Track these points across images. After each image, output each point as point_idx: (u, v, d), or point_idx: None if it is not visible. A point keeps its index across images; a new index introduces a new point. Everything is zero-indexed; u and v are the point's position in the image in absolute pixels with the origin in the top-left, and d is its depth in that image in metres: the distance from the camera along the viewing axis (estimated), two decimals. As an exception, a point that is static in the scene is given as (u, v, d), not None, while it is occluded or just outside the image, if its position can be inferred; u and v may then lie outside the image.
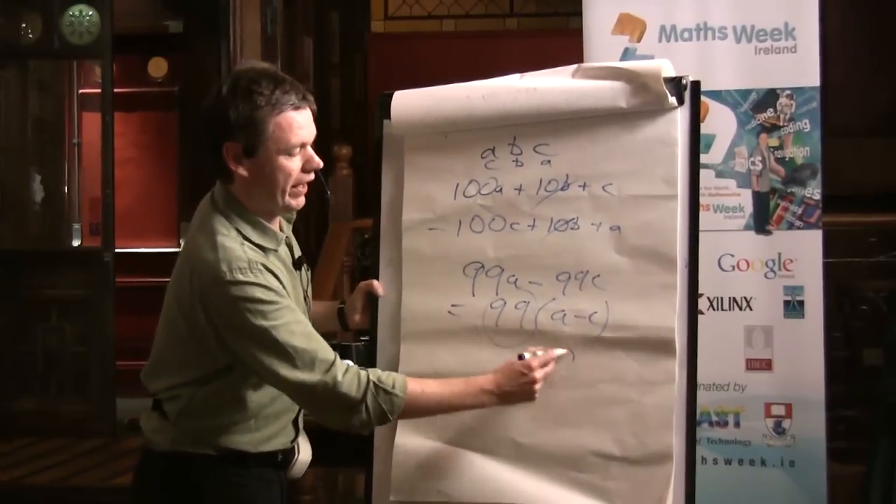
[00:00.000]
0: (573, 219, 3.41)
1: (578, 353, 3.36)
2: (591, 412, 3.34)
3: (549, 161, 3.46)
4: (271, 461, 3.31)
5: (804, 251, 4.77)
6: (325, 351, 3.15)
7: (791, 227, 4.77)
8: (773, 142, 4.78)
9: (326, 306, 3.74)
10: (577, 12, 5.14)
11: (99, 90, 8.75)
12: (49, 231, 9.20)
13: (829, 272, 4.90)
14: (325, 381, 3.11)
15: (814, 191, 4.75)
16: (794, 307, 4.77)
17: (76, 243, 9.19)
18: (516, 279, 3.46)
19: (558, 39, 8.16)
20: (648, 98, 3.34)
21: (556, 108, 3.43)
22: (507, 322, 3.44)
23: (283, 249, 3.29)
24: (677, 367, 3.28)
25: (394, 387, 3.15)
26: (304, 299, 3.38)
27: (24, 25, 8.72)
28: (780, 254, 4.77)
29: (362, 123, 10.34)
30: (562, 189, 3.43)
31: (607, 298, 3.35)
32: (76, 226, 9.23)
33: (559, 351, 3.31)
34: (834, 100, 5.85)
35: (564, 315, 3.38)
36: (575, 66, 3.47)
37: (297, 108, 3.17)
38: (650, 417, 3.28)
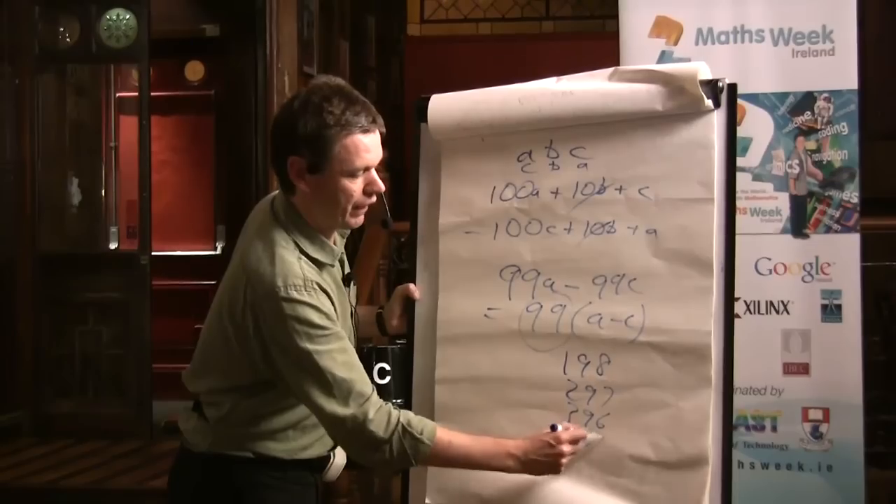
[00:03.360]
0: (610, 222, 3.41)
1: (614, 357, 3.35)
2: (628, 416, 3.33)
3: (585, 164, 3.46)
4: (308, 465, 3.32)
5: (842, 255, 4.74)
6: (363, 384, 3.15)
7: (828, 230, 4.74)
8: (811, 145, 4.76)
9: (365, 311, 3.73)
10: (613, 15, 5.13)
11: (136, 94, 8.80)
12: (86, 234, 9.24)
13: (867, 276, 4.87)
14: (356, 416, 3.11)
15: (851, 194, 4.73)
16: (831, 311, 4.75)
17: (113, 246, 9.23)
18: (552, 283, 3.45)
19: (594, 42, 8.15)
20: (685, 101, 3.33)
21: (592, 111, 3.42)
22: (543, 326, 3.43)
23: (335, 266, 3.30)
24: (714, 371, 3.26)
25: (422, 433, 3.15)
26: (351, 316, 3.39)
27: (62, 30, 8.77)
28: (817, 257, 4.75)
29: (399, 127, 10.34)
30: (598, 192, 3.43)
31: (644, 302, 3.34)
32: (113, 229, 9.28)
33: (593, 435, 3.29)
34: (872, 103, 5.83)
35: (601, 319, 3.37)
36: (611, 69, 3.47)
37: (365, 130, 3.16)
38: (686, 422, 3.27)
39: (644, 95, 3.37)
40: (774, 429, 4.79)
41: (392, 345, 4.47)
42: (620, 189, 3.40)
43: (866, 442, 4.78)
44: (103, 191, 9.28)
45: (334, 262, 3.28)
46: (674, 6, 4.83)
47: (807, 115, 4.76)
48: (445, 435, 3.19)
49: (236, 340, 3.17)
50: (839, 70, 4.74)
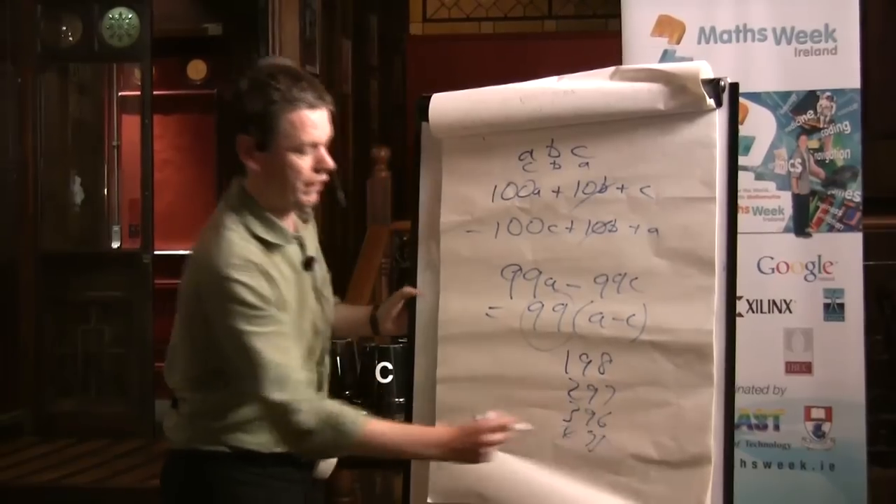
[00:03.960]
0: (611, 221, 3.40)
1: (616, 356, 3.35)
2: (630, 415, 3.33)
3: (587, 163, 3.45)
4: (291, 461, 3.29)
5: (844, 254, 4.74)
6: (297, 372, 3.15)
7: (831, 229, 4.74)
8: (813, 144, 4.76)
9: (360, 311, 3.75)
10: (615, 14, 5.13)
11: (138, 93, 8.80)
12: (88, 233, 9.25)
13: (870, 275, 4.88)
14: (285, 403, 3.10)
15: (854, 193, 4.72)
16: (834, 310, 4.75)
17: (115, 245, 9.23)
18: (554, 282, 3.45)
19: (597, 41, 8.16)
20: (687, 100, 3.33)
21: (594, 110, 3.42)
22: (544, 325, 3.43)
23: (294, 249, 3.28)
24: (716, 369, 3.26)
25: (351, 424, 3.13)
26: (319, 300, 3.36)
27: (64, 29, 8.77)
28: (819, 256, 4.75)
29: (401, 126, 10.36)
30: (600, 191, 3.43)
31: (645, 301, 3.34)
32: (115, 228, 9.27)
33: (522, 425, 3.20)
34: (874, 102, 5.83)
35: (602, 318, 3.37)
36: (613, 68, 3.47)
37: (312, 106, 3.16)
38: (688, 420, 3.27)
39: (646, 94, 3.36)
40: (777, 428, 4.79)
41: (394, 344, 4.48)
42: (622, 188, 3.40)
43: (869, 441, 4.77)
44: (105, 190, 9.29)
45: (286, 243, 3.25)
46: (676, 5, 4.83)
47: (809, 114, 4.75)
48: (375, 426, 3.17)
49: (194, 329, 3.20)
50: (842, 69, 4.74)
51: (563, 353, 3.39)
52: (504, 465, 3.41)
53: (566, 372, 3.40)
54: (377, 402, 4.44)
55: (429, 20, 11.23)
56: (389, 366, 4.48)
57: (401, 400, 4.26)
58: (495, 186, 3.55)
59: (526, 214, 3.50)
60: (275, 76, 3.16)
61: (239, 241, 3.15)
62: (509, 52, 10.17)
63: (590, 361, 3.36)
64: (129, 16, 8.58)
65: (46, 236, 8.69)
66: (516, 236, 3.51)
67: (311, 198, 3.25)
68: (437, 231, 3.61)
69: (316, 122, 3.17)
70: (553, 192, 3.48)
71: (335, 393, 4.46)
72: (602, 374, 3.36)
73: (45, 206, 8.72)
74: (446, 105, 3.60)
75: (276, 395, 3.09)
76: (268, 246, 3.20)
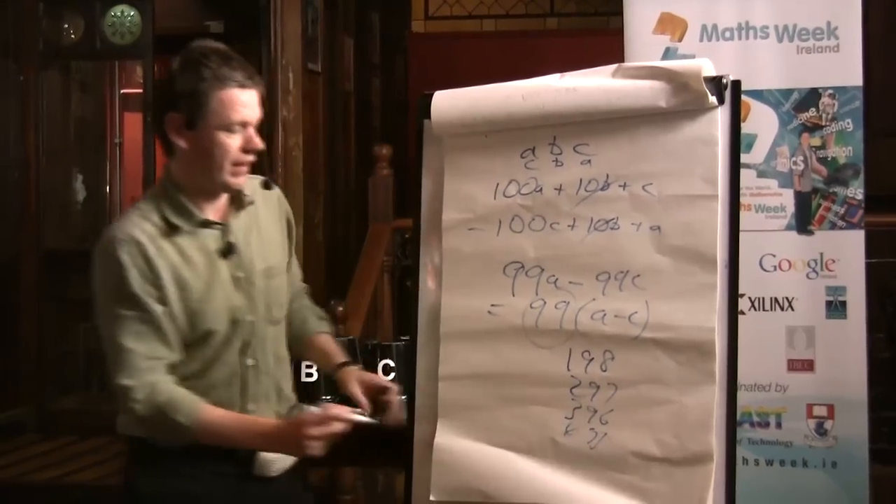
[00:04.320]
0: (613, 219, 3.40)
1: (618, 354, 3.35)
2: (631, 413, 3.33)
3: (589, 161, 3.45)
4: (223, 454, 3.29)
5: (846, 251, 4.74)
6: (144, 359, 3.18)
7: (833, 227, 4.74)
8: (816, 141, 4.76)
9: (329, 353, 3.71)
10: (617, 12, 5.13)
11: (140, 90, 8.82)
12: (90, 231, 9.24)
13: (872, 273, 4.87)
14: (126, 388, 3.18)
15: (856, 191, 4.72)
16: (836, 308, 4.75)
17: (118, 243, 9.20)
18: (556, 279, 3.45)
19: (599, 39, 8.16)
20: (689, 97, 3.33)
21: (596, 107, 3.42)
22: (546, 322, 3.43)
23: (210, 234, 3.29)
24: (718, 367, 3.26)
25: (184, 414, 3.15)
26: (241, 289, 3.33)
27: (66, 26, 8.78)
28: (822, 254, 4.75)
29: (402, 123, 10.34)
30: (602, 189, 3.42)
31: (647, 298, 3.34)
32: (117, 226, 9.26)
33: (359, 418, 3.22)
34: (877, 100, 5.81)
35: (604, 315, 3.37)
36: (615, 65, 3.46)
37: (242, 86, 3.20)
38: (690, 418, 3.27)
39: (648, 92, 3.36)
40: (779, 425, 4.79)
41: (396, 341, 4.48)
42: (624, 186, 3.40)
43: (870, 438, 4.77)
44: (108, 187, 9.30)
45: (194, 226, 3.27)
46: (678, 3, 4.83)
47: (811, 112, 4.75)
48: (208, 415, 3.18)
49: None
50: (844, 66, 4.74)
51: (566, 350, 3.39)
52: (506, 463, 3.42)
53: (568, 369, 3.40)
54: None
55: (431, 18, 11.21)
56: (391, 363, 4.48)
57: (403, 398, 4.26)
58: (497, 184, 3.54)
59: (528, 212, 3.50)
60: (207, 55, 3.20)
61: (135, 219, 3.21)
62: (511, 49, 10.15)
63: (592, 359, 3.36)
64: (131, 13, 8.58)
65: (48, 234, 8.70)
66: (518, 234, 3.51)
67: (239, 179, 3.27)
68: (438, 229, 3.60)
69: (245, 102, 3.21)
70: (555, 189, 3.48)
71: (336, 392, 4.48)
72: (604, 371, 3.36)
73: (47, 204, 8.72)
74: (448, 103, 3.60)
75: (120, 380, 3.18)
76: (173, 228, 3.23)
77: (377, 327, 6.94)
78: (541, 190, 3.49)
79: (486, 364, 3.46)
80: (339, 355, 3.68)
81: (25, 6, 8.62)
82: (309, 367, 4.48)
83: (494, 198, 3.54)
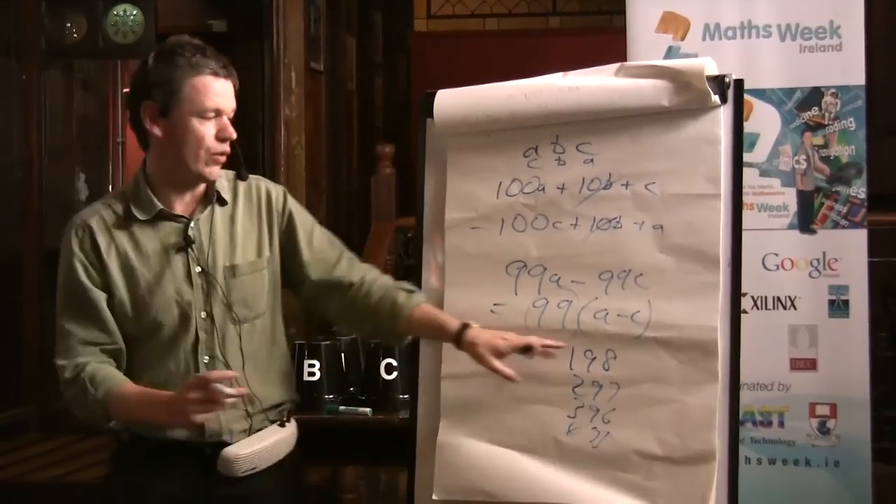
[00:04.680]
0: (616, 218, 3.40)
1: (621, 353, 3.35)
2: (634, 412, 3.33)
3: (591, 160, 3.45)
4: (187, 449, 3.31)
5: (849, 250, 4.74)
6: (80, 343, 3.26)
7: (836, 226, 4.74)
8: (818, 140, 4.75)
9: (439, 323, 3.42)
10: (620, 11, 5.13)
11: (143, 89, 8.78)
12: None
13: (874, 272, 4.86)
14: (58, 366, 3.26)
15: (859, 190, 4.72)
16: (838, 307, 4.74)
17: (120, 242, 9.21)
18: (559, 278, 3.45)
19: (601, 38, 8.14)
20: (691, 96, 3.33)
21: (598, 106, 3.42)
22: (549, 321, 3.43)
23: (171, 227, 3.31)
24: (720, 366, 3.26)
25: (99, 389, 3.20)
26: (195, 284, 3.31)
27: (69, 25, 8.78)
28: (824, 253, 4.75)
29: (405, 122, 10.35)
30: (604, 188, 3.43)
31: (650, 298, 3.34)
32: (120, 224, 9.26)
33: (231, 390, 3.09)
34: (879, 99, 5.81)
35: (607, 314, 3.37)
36: (618, 64, 3.47)
37: (215, 73, 3.24)
38: (693, 417, 3.27)
39: (650, 91, 3.36)
40: (781, 424, 4.78)
41: (399, 340, 4.47)
42: (627, 185, 3.40)
43: (873, 437, 4.77)
44: (110, 186, 9.28)
45: (147, 215, 3.29)
46: (681, 2, 4.83)
47: (814, 111, 4.75)
48: (118, 390, 3.21)
49: None
50: (846, 66, 4.73)
51: (568, 349, 3.39)
52: (509, 462, 3.42)
53: (571, 368, 3.40)
54: (382, 399, 4.45)
55: (433, 17, 11.22)
56: (394, 362, 4.48)
57: (405, 396, 4.26)
58: (500, 183, 3.54)
59: (530, 211, 3.50)
60: (181, 45, 3.25)
61: (97, 206, 3.33)
62: (514, 48, 10.16)
63: (594, 358, 3.36)
64: (134, 12, 8.58)
65: (51, 233, 8.68)
66: (521, 233, 3.51)
67: (214, 169, 3.29)
68: (441, 228, 3.61)
69: (219, 90, 3.24)
70: (558, 188, 3.48)
71: (340, 390, 4.48)
72: (606, 370, 3.36)
73: (50, 203, 8.71)
74: (451, 102, 3.60)
75: (56, 359, 3.27)
76: (131, 219, 3.29)
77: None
78: (543, 189, 3.49)
79: (489, 363, 3.46)
80: (452, 321, 3.40)
81: (28, 5, 8.62)
82: (311, 366, 4.48)
83: (497, 197, 3.54)
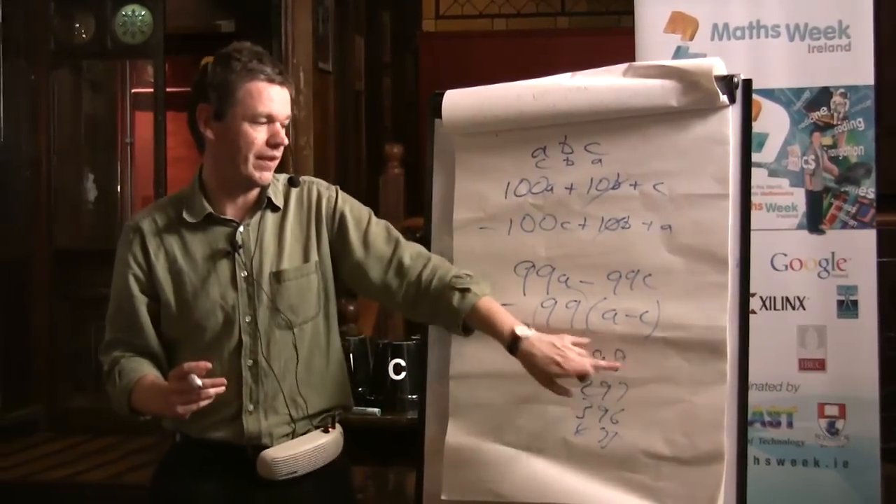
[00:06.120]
0: (624, 218, 3.40)
1: (629, 353, 3.35)
2: (642, 412, 3.33)
3: (600, 160, 3.45)
4: (227, 450, 3.33)
5: (858, 250, 4.73)
6: (116, 339, 3.34)
7: (845, 226, 4.73)
8: (827, 140, 4.75)
9: (494, 323, 3.33)
10: (628, 11, 5.12)
11: (151, 90, 8.81)
12: (101, 230, 9.26)
13: (883, 272, 4.86)
14: (100, 361, 3.34)
15: (868, 190, 4.71)
16: (847, 307, 4.74)
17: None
18: (567, 278, 3.45)
19: (610, 38, 8.14)
20: (699, 96, 3.32)
21: (606, 106, 3.42)
22: (557, 321, 3.43)
23: (220, 231, 3.33)
24: (729, 366, 3.26)
25: (121, 381, 3.27)
26: (241, 289, 3.32)
27: (77, 26, 8.79)
28: (833, 253, 4.74)
29: (413, 122, 10.35)
30: (613, 188, 3.42)
31: (658, 298, 3.34)
32: (129, 225, 9.27)
33: (199, 382, 3.05)
34: (888, 98, 5.80)
35: (615, 314, 3.37)
36: (626, 64, 3.46)
37: (270, 80, 3.25)
38: (701, 417, 3.27)
39: (659, 91, 3.36)
40: (790, 425, 4.78)
41: (407, 340, 4.48)
42: (635, 185, 3.40)
43: (882, 438, 4.76)
44: (119, 186, 9.30)
45: (195, 219, 3.32)
46: (689, 2, 4.82)
47: (823, 111, 4.74)
48: (137, 382, 3.25)
49: None
50: (855, 65, 4.73)
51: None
52: (517, 462, 3.42)
53: (579, 369, 3.40)
54: (390, 399, 4.45)
55: (441, 17, 11.22)
56: (402, 362, 4.49)
57: (414, 397, 4.27)
58: (508, 183, 3.54)
59: (539, 211, 3.50)
60: (239, 51, 3.29)
61: (150, 209, 3.40)
62: (522, 48, 10.15)
63: (603, 358, 3.35)
64: (142, 13, 8.59)
65: (59, 233, 8.70)
66: (529, 233, 3.51)
67: (264, 175, 3.30)
68: (450, 228, 3.61)
69: (273, 96, 3.26)
70: (566, 188, 3.48)
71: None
72: (615, 370, 3.36)
73: (59, 203, 8.73)
74: (459, 102, 3.60)
75: (100, 356, 3.37)
76: (182, 222, 3.33)
77: (388, 326, 6.94)
78: (552, 189, 3.49)
79: (497, 363, 3.45)
80: (505, 327, 3.29)
81: (37, 5, 8.63)
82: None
83: (505, 197, 3.54)
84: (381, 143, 8.96)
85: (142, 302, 3.32)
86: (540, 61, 6.33)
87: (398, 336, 4.47)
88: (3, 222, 8.51)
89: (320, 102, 8.85)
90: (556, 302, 3.45)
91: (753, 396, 3.55)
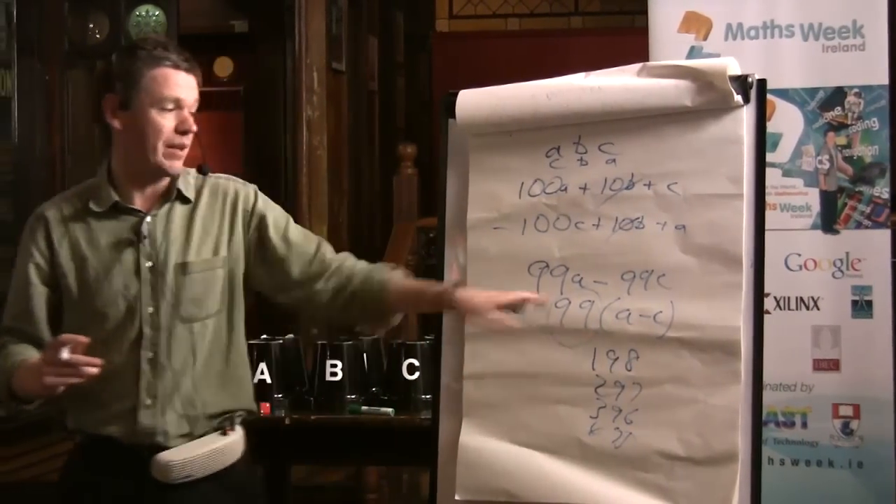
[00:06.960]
0: (638, 218, 3.40)
1: (643, 353, 3.35)
2: (656, 412, 3.33)
3: (614, 160, 3.45)
4: (121, 449, 3.28)
5: (872, 250, 4.72)
6: (8, 322, 3.34)
7: (859, 226, 4.72)
8: (841, 140, 4.74)
9: (417, 290, 3.45)
10: (642, 11, 5.12)
11: (165, 90, 8.80)
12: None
13: (898, 272, 4.85)
14: None
15: (882, 190, 4.70)
16: (861, 307, 4.73)
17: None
18: (581, 278, 3.45)
19: (623, 38, 8.14)
20: (714, 96, 3.32)
21: (620, 106, 3.42)
22: (571, 321, 3.43)
23: (126, 221, 3.29)
24: (743, 367, 3.26)
25: (4, 363, 3.24)
26: (143, 279, 3.27)
27: (91, 26, 8.79)
28: (847, 253, 4.73)
29: (427, 123, 10.35)
30: (627, 188, 3.42)
31: (672, 298, 3.33)
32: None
33: (68, 355, 3.01)
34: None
35: (629, 314, 3.37)
36: (640, 64, 3.46)
37: (175, 66, 3.24)
38: (715, 418, 3.27)
39: (673, 91, 3.36)
40: (804, 425, 4.77)
41: (421, 341, 4.49)
42: (649, 185, 3.40)
43: (897, 438, 4.76)
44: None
45: (101, 208, 3.29)
46: (703, 1, 4.82)
47: (837, 111, 4.73)
48: (19, 364, 3.20)
49: None
50: (869, 65, 4.72)
51: (590, 349, 3.39)
52: (531, 462, 3.42)
53: (593, 368, 3.40)
54: (404, 399, 4.45)
55: (455, 17, 11.23)
56: (416, 362, 4.49)
57: (427, 397, 4.27)
58: (522, 183, 3.54)
59: (553, 211, 3.50)
60: (144, 41, 3.35)
61: (57, 199, 3.39)
62: (536, 48, 10.16)
63: (617, 358, 3.36)
64: (156, 13, 8.59)
65: (73, 233, 8.70)
66: (543, 233, 3.51)
67: (174, 164, 3.27)
68: (463, 228, 3.61)
69: (179, 81, 3.24)
70: (580, 188, 3.48)
71: (362, 391, 4.49)
72: (629, 370, 3.36)
73: (73, 203, 8.73)
74: (473, 102, 3.60)
75: None
76: (88, 211, 3.31)
77: (402, 326, 6.94)
78: (566, 189, 3.49)
79: (511, 363, 3.46)
80: (431, 285, 3.44)
81: (50, 5, 8.63)
82: (333, 366, 4.49)
83: (519, 197, 3.54)
84: (394, 143, 8.96)
85: (40, 292, 3.29)
86: (553, 61, 6.34)
87: (412, 336, 4.47)
88: (18, 222, 8.51)
89: (334, 102, 8.86)
90: (569, 302, 3.45)
91: (767, 397, 3.55)
